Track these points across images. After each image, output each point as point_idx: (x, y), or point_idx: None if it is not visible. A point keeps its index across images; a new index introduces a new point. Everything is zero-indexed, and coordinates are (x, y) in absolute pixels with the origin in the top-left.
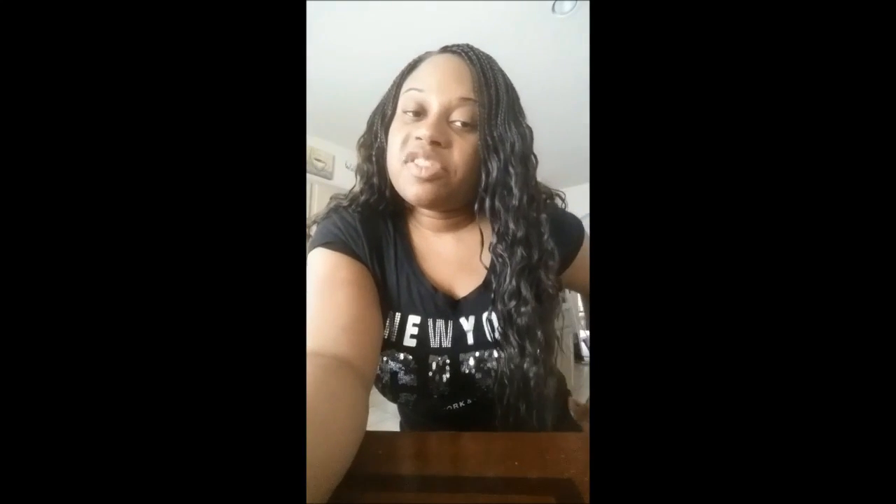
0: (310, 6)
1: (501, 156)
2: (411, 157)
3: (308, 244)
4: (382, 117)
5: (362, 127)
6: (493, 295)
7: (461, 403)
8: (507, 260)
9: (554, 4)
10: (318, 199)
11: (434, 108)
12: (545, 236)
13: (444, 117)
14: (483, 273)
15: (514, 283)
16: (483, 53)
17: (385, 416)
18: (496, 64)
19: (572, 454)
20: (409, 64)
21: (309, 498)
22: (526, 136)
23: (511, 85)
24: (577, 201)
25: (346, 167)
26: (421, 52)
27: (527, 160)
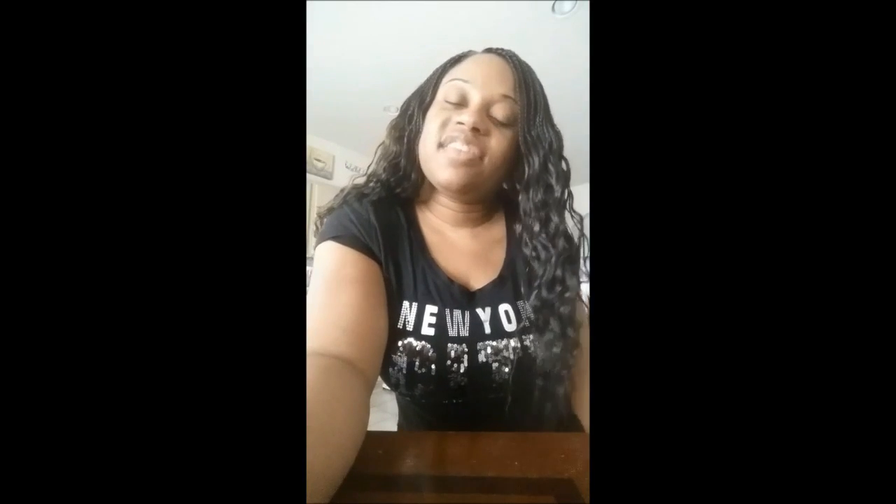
0: (310, 6)
1: (541, 152)
2: (450, 140)
3: (318, 235)
4: (420, 102)
5: (362, 127)
6: (535, 281)
7: (473, 398)
8: (551, 249)
9: (554, 4)
10: (318, 199)
11: (476, 99)
12: (580, 231)
13: (485, 110)
14: (497, 267)
15: (559, 271)
16: (523, 60)
17: (385, 416)
18: (534, 71)
19: (572, 454)
20: (453, 58)
21: (309, 498)
22: (560, 137)
23: (545, 93)
24: (577, 201)
25: (346, 167)
26: (419, 52)
27: (562, 159)
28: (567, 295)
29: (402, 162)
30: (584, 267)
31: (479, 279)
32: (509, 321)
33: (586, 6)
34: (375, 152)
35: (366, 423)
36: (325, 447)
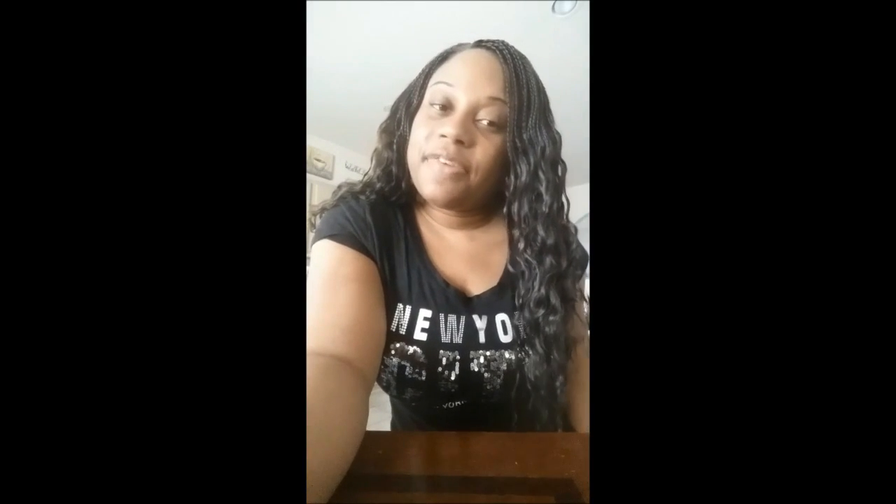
0: (310, 6)
1: (531, 159)
2: (433, 154)
3: (314, 234)
4: (408, 106)
5: (362, 127)
6: (518, 300)
7: (464, 402)
8: (535, 267)
9: (554, 4)
10: (318, 199)
11: (462, 104)
12: (574, 244)
13: (471, 115)
14: (497, 274)
15: (542, 291)
16: (517, 52)
17: (385, 416)
18: (530, 65)
19: (572, 454)
20: (441, 55)
21: (308, 498)
22: (556, 140)
23: (543, 87)
24: (577, 201)
25: (346, 167)
26: (419, 52)
27: (557, 165)
28: (552, 318)
29: (394, 169)
30: (579, 283)
31: (477, 284)
32: (505, 332)
33: (586, 6)
34: (371, 159)
35: (364, 422)
36: (324, 447)
